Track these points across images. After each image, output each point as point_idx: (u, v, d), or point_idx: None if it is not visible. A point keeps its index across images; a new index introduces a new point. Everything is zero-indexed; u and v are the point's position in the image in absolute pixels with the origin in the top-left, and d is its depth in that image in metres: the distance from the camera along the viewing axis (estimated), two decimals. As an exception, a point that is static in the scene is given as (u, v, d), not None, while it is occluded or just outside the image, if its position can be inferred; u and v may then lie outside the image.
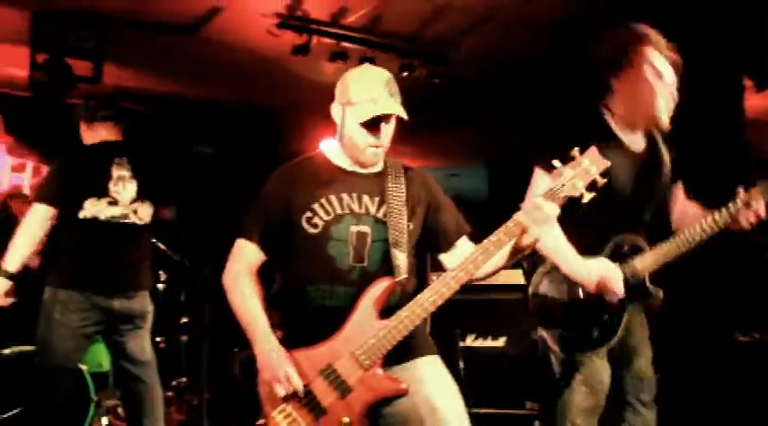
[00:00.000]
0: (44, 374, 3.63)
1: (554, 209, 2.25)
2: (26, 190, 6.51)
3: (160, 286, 5.26)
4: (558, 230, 2.59)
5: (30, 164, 6.75)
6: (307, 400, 2.31)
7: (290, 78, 5.90)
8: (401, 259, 2.37)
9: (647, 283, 2.74)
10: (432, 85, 5.64)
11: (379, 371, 2.30)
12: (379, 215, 2.41)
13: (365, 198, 2.42)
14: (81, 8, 4.98)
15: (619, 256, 2.75)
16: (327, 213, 2.39)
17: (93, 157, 3.77)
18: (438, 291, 2.27)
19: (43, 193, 3.66)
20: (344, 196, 2.41)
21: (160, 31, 5.29)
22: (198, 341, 5.42)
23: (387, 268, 2.36)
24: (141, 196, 3.77)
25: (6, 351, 4.45)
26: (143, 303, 3.80)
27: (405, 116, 2.36)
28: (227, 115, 7.00)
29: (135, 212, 3.76)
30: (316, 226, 2.38)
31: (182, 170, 5.03)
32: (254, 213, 2.50)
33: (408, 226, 2.42)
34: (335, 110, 2.46)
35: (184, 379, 5.64)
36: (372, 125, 2.36)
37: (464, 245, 2.52)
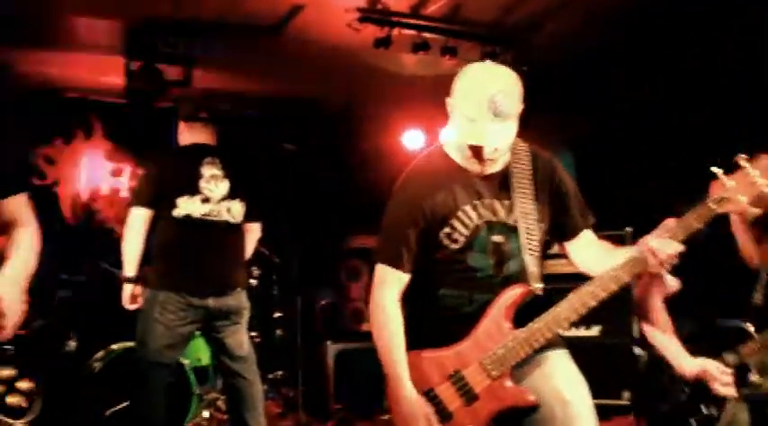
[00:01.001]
0: (141, 369, 3.77)
1: (676, 248, 2.15)
2: (125, 193, 6.79)
3: (253, 281, 5.39)
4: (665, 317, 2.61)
5: (128, 168, 7.01)
6: (432, 403, 2.26)
7: (370, 72, 5.92)
8: (534, 265, 2.29)
9: (750, 372, 2.64)
10: (515, 71, 5.55)
11: (509, 383, 2.23)
12: (510, 221, 2.31)
13: (496, 204, 2.32)
14: (170, 16, 5.14)
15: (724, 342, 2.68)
16: (466, 227, 2.30)
17: (184, 158, 3.89)
18: (573, 307, 2.20)
19: (138, 197, 3.81)
20: (478, 204, 2.31)
21: (245, 32, 5.41)
22: (291, 335, 5.53)
23: (524, 274, 2.29)
24: (233, 194, 3.86)
25: (115, 347, 4.65)
26: (239, 299, 3.88)
27: (499, 145, 2.23)
28: (309, 111, 7.09)
29: (228, 210, 3.85)
30: (456, 241, 2.30)
31: (269, 167, 5.12)
32: (392, 236, 2.36)
33: (540, 228, 2.33)
34: (449, 106, 2.30)
35: (280, 373, 5.77)
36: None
37: (588, 237, 2.42)
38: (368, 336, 6.32)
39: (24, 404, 2.04)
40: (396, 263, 2.33)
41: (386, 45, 5.16)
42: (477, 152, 2.26)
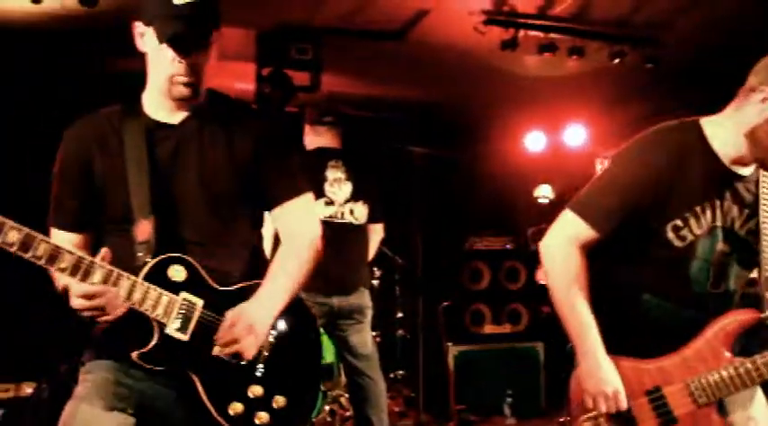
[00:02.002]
0: None
1: None
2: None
3: (375, 282, 5.47)
4: None
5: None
6: (624, 417, 2.06)
7: (492, 74, 5.88)
8: None
9: None
10: (644, 71, 5.38)
11: (716, 416, 2.01)
12: (743, 231, 2.05)
13: (734, 209, 2.04)
14: (299, 23, 5.32)
15: None
16: (700, 226, 2.01)
17: (309, 161, 4.00)
18: None
19: None
20: (718, 204, 2.02)
21: (371, 38, 5.51)
22: (413, 335, 5.58)
23: (748, 297, 2.09)
24: (356, 196, 3.95)
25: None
26: (361, 299, 3.96)
27: None
28: (433, 114, 7.13)
29: (351, 212, 3.94)
30: (683, 239, 2.02)
31: (394, 170, 5.19)
32: (603, 191, 2.06)
33: None
34: (756, 98, 1.98)
35: (401, 372, 5.82)
36: None
37: None
38: (488, 338, 6.29)
39: (273, 422, 1.95)
40: (592, 220, 2.03)
41: (512, 47, 5.12)
42: None
